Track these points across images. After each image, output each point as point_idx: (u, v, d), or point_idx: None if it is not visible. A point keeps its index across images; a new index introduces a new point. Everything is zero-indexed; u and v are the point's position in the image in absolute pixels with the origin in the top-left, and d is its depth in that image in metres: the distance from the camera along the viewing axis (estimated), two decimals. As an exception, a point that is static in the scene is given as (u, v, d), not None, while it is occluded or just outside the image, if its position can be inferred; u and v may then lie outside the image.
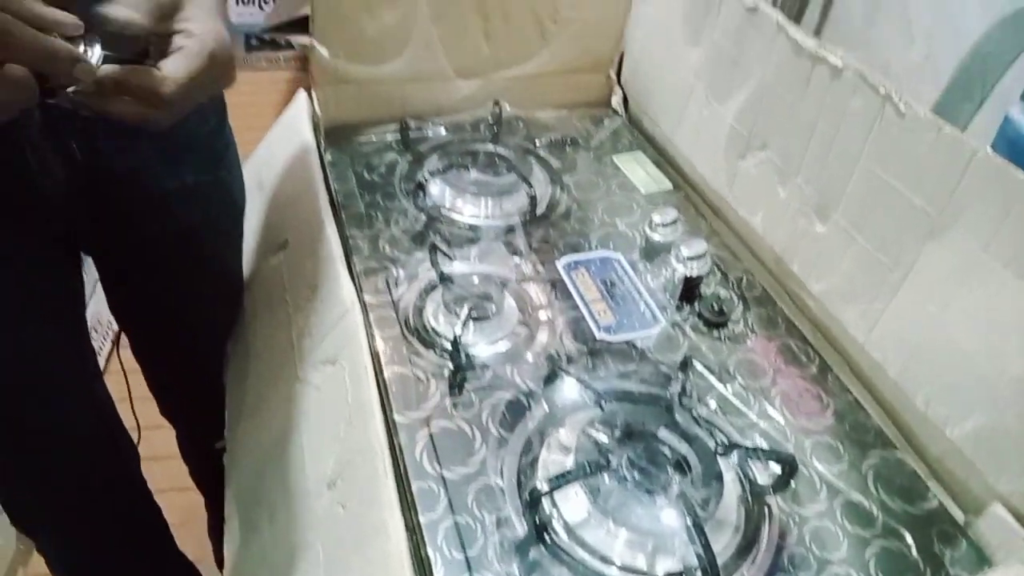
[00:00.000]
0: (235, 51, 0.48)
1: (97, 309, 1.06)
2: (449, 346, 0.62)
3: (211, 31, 0.45)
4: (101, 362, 1.32)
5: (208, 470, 0.71)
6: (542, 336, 0.65)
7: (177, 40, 0.44)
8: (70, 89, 0.41)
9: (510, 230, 0.76)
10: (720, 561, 0.49)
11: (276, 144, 0.87)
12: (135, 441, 0.81)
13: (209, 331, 0.77)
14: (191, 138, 0.62)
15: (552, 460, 0.54)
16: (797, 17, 1.80)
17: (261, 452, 0.64)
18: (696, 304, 0.70)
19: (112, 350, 1.46)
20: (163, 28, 0.44)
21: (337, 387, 0.58)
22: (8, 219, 0.55)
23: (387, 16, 0.83)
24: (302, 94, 0.87)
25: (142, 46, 0.45)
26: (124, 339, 0.80)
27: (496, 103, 0.89)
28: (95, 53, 0.42)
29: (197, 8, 0.45)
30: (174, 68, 0.43)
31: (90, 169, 0.56)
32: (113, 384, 0.79)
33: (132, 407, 0.87)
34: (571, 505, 0.51)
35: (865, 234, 0.61)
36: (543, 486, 0.50)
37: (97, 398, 0.73)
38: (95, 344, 1.13)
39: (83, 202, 0.58)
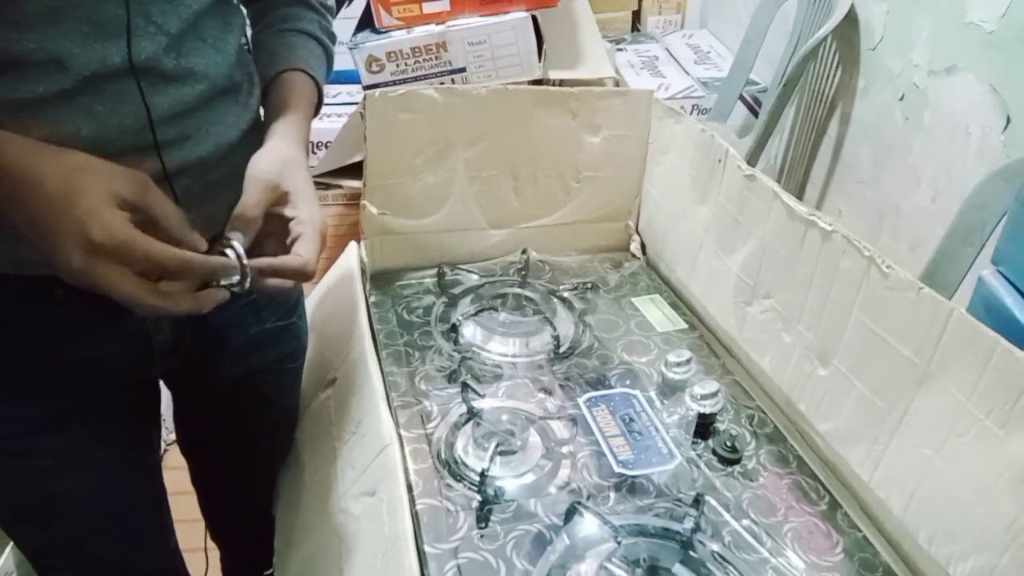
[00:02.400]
0: None
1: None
2: (477, 479, 0.67)
3: (318, 215, 0.57)
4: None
5: None
6: (564, 470, 0.70)
7: (295, 227, 0.55)
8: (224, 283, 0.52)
9: (536, 367, 0.83)
10: None
11: (329, 289, 0.97)
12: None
13: (265, 462, 0.83)
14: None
15: (573, 594, 0.58)
16: (810, 159, 1.92)
17: None
18: (710, 440, 0.74)
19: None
20: (277, 213, 0.55)
21: (375, 518, 0.63)
22: (115, 368, 0.63)
23: (429, 179, 0.94)
24: (353, 245, 0.97)
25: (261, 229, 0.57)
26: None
27: (524, 251, 0.99)
28: (237, 251, 0.54)
29: (301, 198, 0.56)
30: (308, 251, 0.55)
31: (190, 323, 0.65)
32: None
33: (206, 552, 0.91)
34: (590, 638, 0.54)
35: (863, 379, 0.66)
36: (563, 618, 0.53)
37: (164, 532, 0.78)
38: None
39: (181, 350, 0.66)
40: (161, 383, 0.75)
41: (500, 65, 1.50)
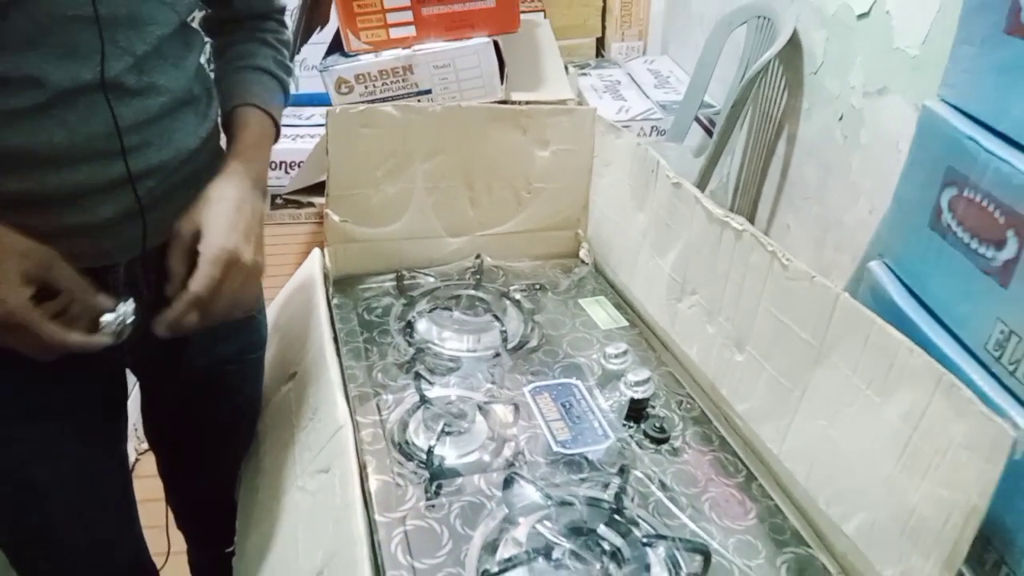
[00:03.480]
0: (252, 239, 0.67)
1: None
2: (425, 457, 0.73)
3: (215, 244, 0.64)
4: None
5: None
6: (507, 450, 0.77)
7: (199, 260, 0.64)
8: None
9: (485, 361, 0.90)
10: (646, 640, 0.58)
11: (292, 293, 1.03)
12: (161, 565, 0.90)
13: (230, 452, 0.88)
14: None
15: (507, 552, 0.64)
16: (761, 177, 2.02)
17: (264, 553, 0.73)
18: (642, 423, 0.81)
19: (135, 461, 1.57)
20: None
21: (328, 492, 0.69)
22: (86, 360, 0.69)
23: (390, 189, 1.02)
24: (316, 252, 1.04)
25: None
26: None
27: (478, 256, 1.06)
28: (126, 308, 0.64)
29: (207, 229, 0.64)
30: (196, 284, 0.63)
31: (156, 315, 0.71)
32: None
33: (167, 532, 0.96)
34: (520, 589, 0.61)
35: (771, 362, 0.74)
36: (493, 568, 0.59)
37: (132, 523, 0.83)
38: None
39: (149, 341, 0.72)
40: (130, 380, 0.80)
41: (464, 88, 1.58)
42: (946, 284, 0.61)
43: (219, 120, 0.74)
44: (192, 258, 0.64)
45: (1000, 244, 0.53)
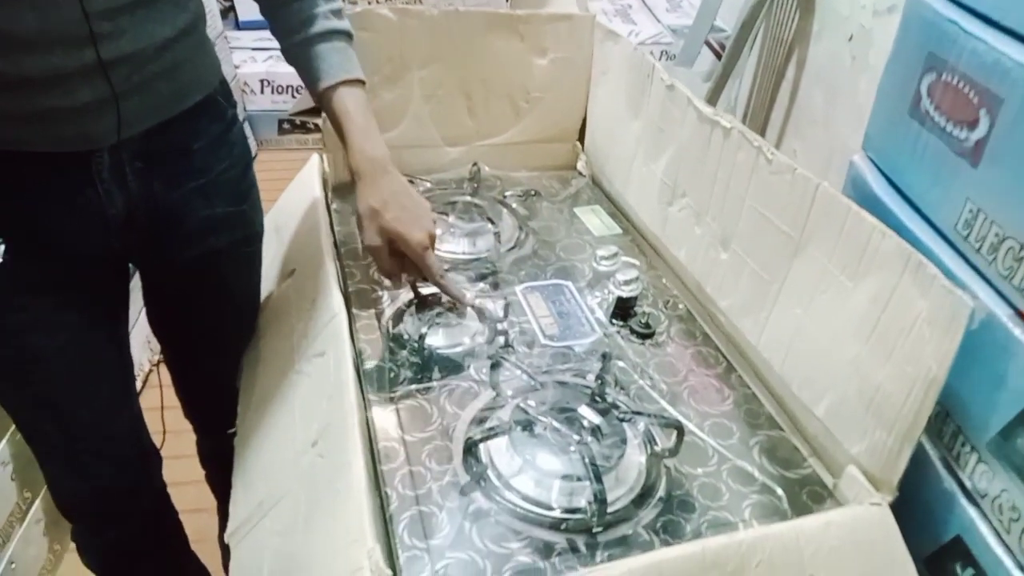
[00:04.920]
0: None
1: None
2: (417, 345, 0.76)
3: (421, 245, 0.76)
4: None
5: (225, 468, 0.84)
6: (497, 341, 0.80)
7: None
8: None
9: (479, 262, 0.92)
10: (620, 504, 0.62)
11: (292, 196, 1.05)
12: (160, 443, 0.95)
13: (227, 344, 0.92)
14: (222, 179, 0.80)
15: (492, 427, 0.68)
16: (770, 103, 2.00)
17: (262, 429, 0.78)
18: (629, 321, 0.84)
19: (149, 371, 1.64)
20: None
21: (324, 373, 0.73)
22: (76, 239, 0.72)
23: (386, 95, 1.02)
24: (315, 157, 1.05)
25: None
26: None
27: (475, 164, 1.07)
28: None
29: (409, 239, 0.76)
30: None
31: (143, 201, 0.74)
32: (148, 399, 0.93)
33: (162, 416, 1.01)
34: (503, 457, 0.64)
35: (753, 257, 0.76)
36: (477, 435, 0.63)
37: (131, 398, 0.88)
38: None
39: (136, 228, 0.75)
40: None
41: (469, 3, 1.56)
42: (922, 170, 0.62)
43: (204, 13, 0.75)
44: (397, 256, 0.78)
45: (973, 124, 0.54)
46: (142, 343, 1.57)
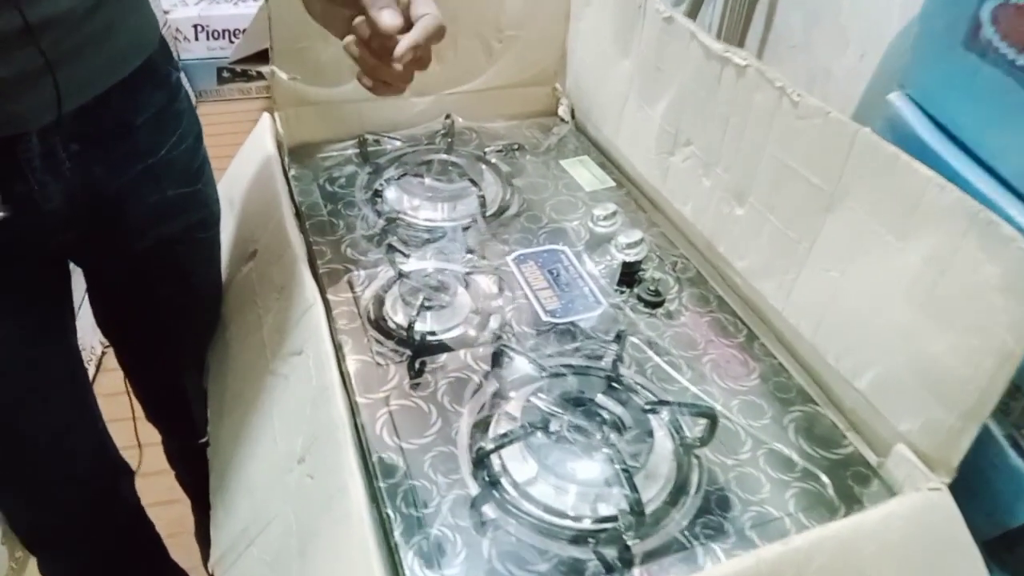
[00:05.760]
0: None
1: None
2: (406, 334, 0.67)
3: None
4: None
5: (194, 470, 0.76)
6: (493, 323, 0.71)
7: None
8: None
9: (463, 230, 0.83)
10: (653, 506, 0.55)
11: (244, 163, 0.93)
12: (137, 460, 0.86)
13: (191, 338, 0.82)
14: (171, 157, 0.68)
15: (501, 427, 0.60)
16: (744, 26, 1.90)
17: (239, 441, 0.69)
18: (635, 287, 0.76)
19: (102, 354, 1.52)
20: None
21: (303, 374, 0.64)
22: (9, 238, 0.60)
23: (337, 40, 0.89)
24: (266, 117, 0.93)
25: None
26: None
27: (448, 116, 0.96)
28: None
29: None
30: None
31: (84, 190, 0.62)
32: (110, 406, 0.83)
33: (135, 426, 0.91)
34: (517, 464, 0.57)
35: (776, 213, 0.68)
36: (489, 445, 0.55)
37: (88, 410, 0.77)
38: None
39: (77, 221, 0.63)
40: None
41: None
42: (983, 111, 0.54)
43: None
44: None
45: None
46: (91, 325, 1.44)
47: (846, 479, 0.59)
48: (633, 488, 0.52)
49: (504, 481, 0.56)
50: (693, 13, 1.74)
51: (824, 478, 0.59)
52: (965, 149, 0.57)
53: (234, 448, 0.69)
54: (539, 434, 0.57)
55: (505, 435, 0.56)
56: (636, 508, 0.51)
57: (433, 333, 0.69)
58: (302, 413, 0.61)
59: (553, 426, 0.58)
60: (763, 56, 1.85)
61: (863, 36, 1.46)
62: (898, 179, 0.55)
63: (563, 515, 0.54)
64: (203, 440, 0.74)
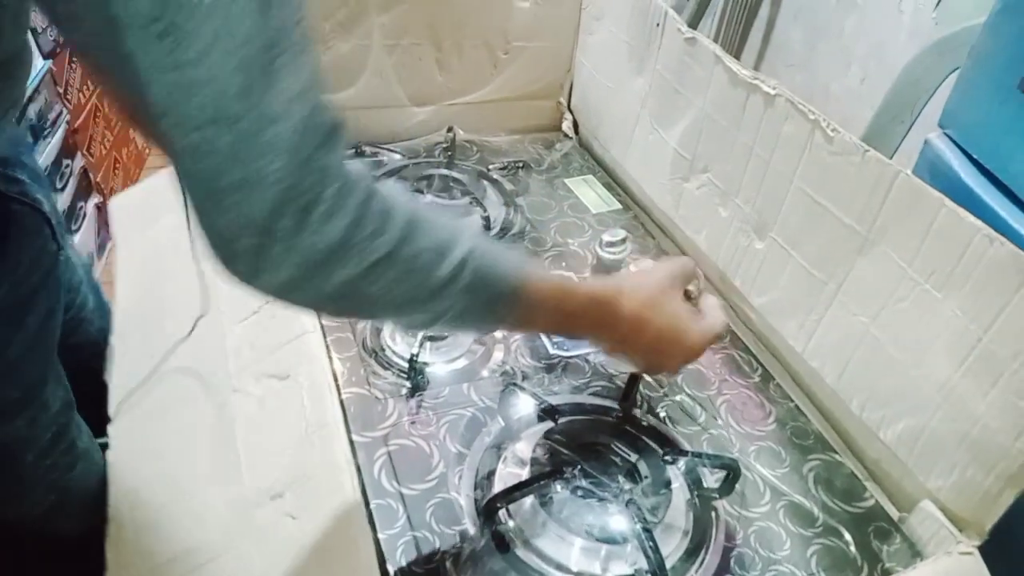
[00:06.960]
0: None
1: None
2: (406, 366, 0.63)
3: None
4: None
5: None
6: (497, 354, 0.67)
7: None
8: None
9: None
10: (670, 563, 0.52)
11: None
12: None
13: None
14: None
15: (508, 473, 0.56)
16: (740, 41, 1.87)
17: (165, 453, 0.61)
18: (646, 320, 0.72)
19: None
20: None
21: (288, 403, 0.59)
22: None
23: (342, 47, 0.85)
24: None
25: None
26: None
27: (450, 129, 0.92)
28: None
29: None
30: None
31: None
32: None
33: None
34: (527, 516, 0.53)
35: (800, 251, 0.65)
36: (499, 498, 0.51)
37: None
38: None
39: None
40: None
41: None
42: (1035, 158, 0.52)
43: None
44: None
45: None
46: None
47: (868, 535, 0.56)
48: (656, 550, 0.48)
49: (512, 534, 0.52)
50: (694, 23, 1.72)
51: (847, 535, 0.56)
52: (1010, 195, 0.54)
53: (154, 461, 0.61)
54: (551, 484, 0.53)
55: (515, 487, 0.52)
56: (659, 573, 0.48)
57: (433, 366, 0.65)
58: (281, 443, 0.56)
59: (565, 474, 0.54)
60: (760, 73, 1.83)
61: (867, 58, 1.44)
62: (941, 227, 0.52)
63: (577, 573, 0.50)
64: (102, 441, 0.65)
